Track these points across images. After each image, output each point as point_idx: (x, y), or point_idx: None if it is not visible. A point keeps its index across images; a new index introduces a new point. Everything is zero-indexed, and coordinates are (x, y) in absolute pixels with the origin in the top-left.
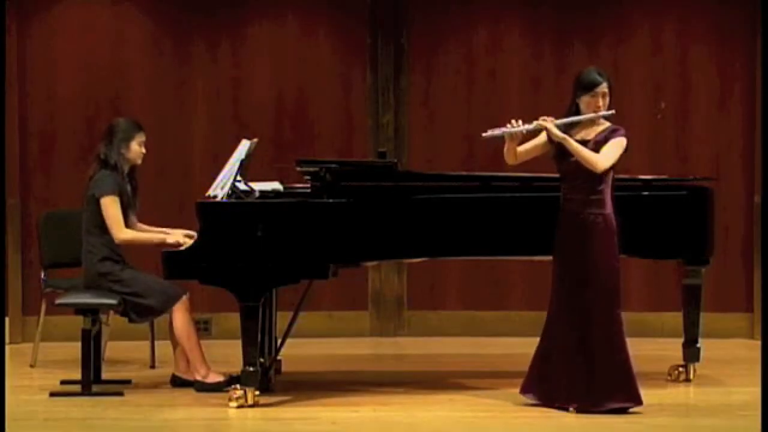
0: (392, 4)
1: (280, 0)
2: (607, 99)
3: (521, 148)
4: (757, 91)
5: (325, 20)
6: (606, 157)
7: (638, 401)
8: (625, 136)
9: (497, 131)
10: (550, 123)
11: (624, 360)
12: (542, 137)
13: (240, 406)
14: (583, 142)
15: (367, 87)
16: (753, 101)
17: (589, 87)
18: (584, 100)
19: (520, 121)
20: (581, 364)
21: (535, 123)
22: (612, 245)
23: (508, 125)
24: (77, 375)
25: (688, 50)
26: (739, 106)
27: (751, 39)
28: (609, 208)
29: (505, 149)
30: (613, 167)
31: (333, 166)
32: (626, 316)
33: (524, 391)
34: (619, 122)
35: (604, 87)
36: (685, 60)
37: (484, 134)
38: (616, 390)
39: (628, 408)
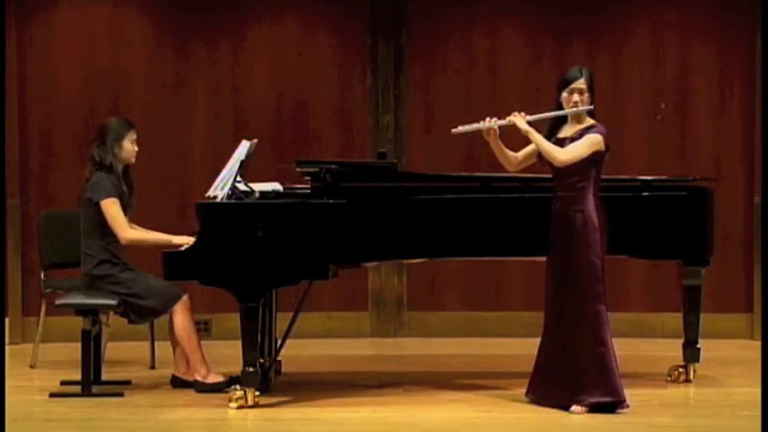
0: (392, 4)
1: (280, 0)
2: (586, 95)
3: (517, 154)
4: (757, 92)
5: (325, 20)
6: (566, 151)
7: (618, 396)
8: (602, 134)
9: (468, 127)
10: (520, 118)
11: (604, 354)
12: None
13: (240, 407)
14: (563, 140)
15: (367, 87)
16: (753, 101)
17: (565, 83)
18: (563, 97)
19: (495, 118)
20: (566, 361)
21: (507, 119)
22: (592, 242)
23: (481, 122)
24: (77, 376)
25: (688, 50)
26: (739, 107)
27: (751, 39)
28: (590, 206)
29: (496, 155)
30: (593, 167)
31: (333, 166)
32: (626, 317)
33: (526, 392)
34: (620, 122)
35: (579, 83)
36: (685, 60)
37: (453, 129)
38: (596, 384)
39: (610, 402)
